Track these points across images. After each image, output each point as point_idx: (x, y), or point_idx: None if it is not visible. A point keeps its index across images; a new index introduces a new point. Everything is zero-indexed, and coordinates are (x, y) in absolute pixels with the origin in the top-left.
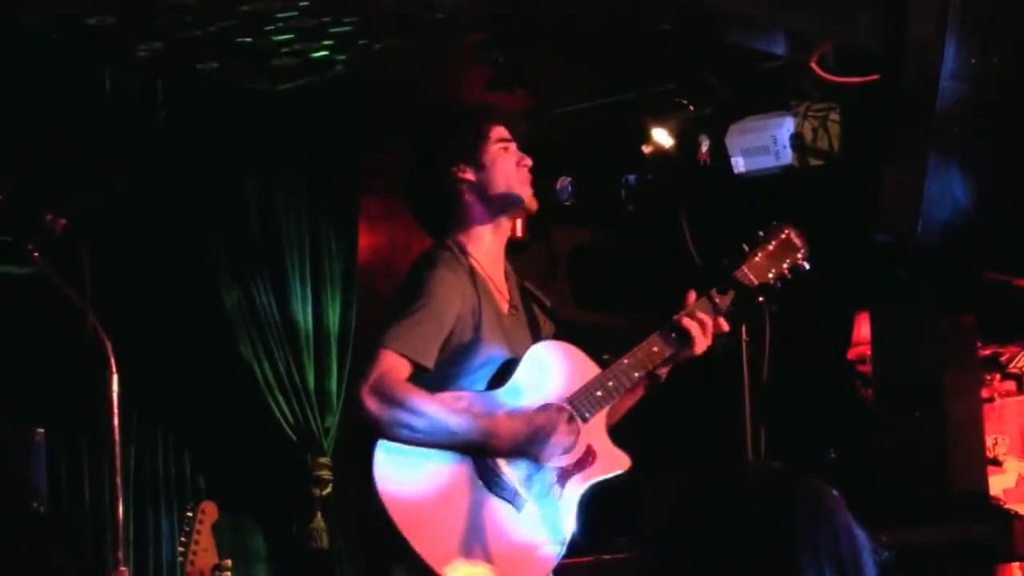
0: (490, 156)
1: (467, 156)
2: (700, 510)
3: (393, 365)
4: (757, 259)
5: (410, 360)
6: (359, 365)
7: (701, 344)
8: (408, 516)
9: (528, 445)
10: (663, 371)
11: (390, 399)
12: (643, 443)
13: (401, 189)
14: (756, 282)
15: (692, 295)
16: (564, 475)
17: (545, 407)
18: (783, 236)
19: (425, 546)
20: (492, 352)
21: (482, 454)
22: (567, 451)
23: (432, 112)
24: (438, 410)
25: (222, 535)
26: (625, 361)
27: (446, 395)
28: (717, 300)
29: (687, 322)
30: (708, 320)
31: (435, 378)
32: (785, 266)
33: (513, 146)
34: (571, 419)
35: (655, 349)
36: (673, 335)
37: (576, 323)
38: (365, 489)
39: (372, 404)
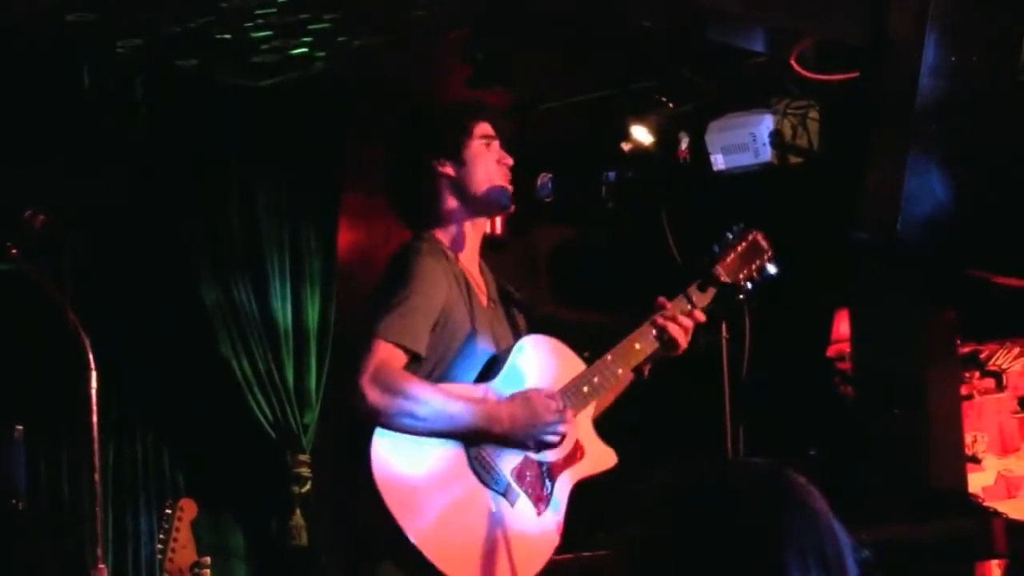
0: (471, 152)
1: (449, 151)
2: (684, 509)
3: (389, 354)
4: (729, 259)
5: (404, 349)
6: (352, 356)
7: (682, 340)
8: (403, 505)
9: (528, 428)
10: (646, 368)
11: (391, 388)
12: (624, 441)
13: (383, 179)
14: (729, 281)
15: (662, 298)
16: (554, 471)
17: (538, 390)
18: (751, 238)
19: (419, 536)
20: (480, 343)
21: (482, 440)
22: (561, 440)
23: (417, 105)
24: (438, 397)
25: (201, 532)
26: (609, 357)
27: (444, 385)
28: (694, 297)
29: (666, 320)
30: (686, 318)
31: (428, 367)
32: (754, 268)
33: (496, 144)
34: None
35: (637, 346)
36: (654, 332)
37: (556, 320)
38: (357, 478)
39: (373, 394)
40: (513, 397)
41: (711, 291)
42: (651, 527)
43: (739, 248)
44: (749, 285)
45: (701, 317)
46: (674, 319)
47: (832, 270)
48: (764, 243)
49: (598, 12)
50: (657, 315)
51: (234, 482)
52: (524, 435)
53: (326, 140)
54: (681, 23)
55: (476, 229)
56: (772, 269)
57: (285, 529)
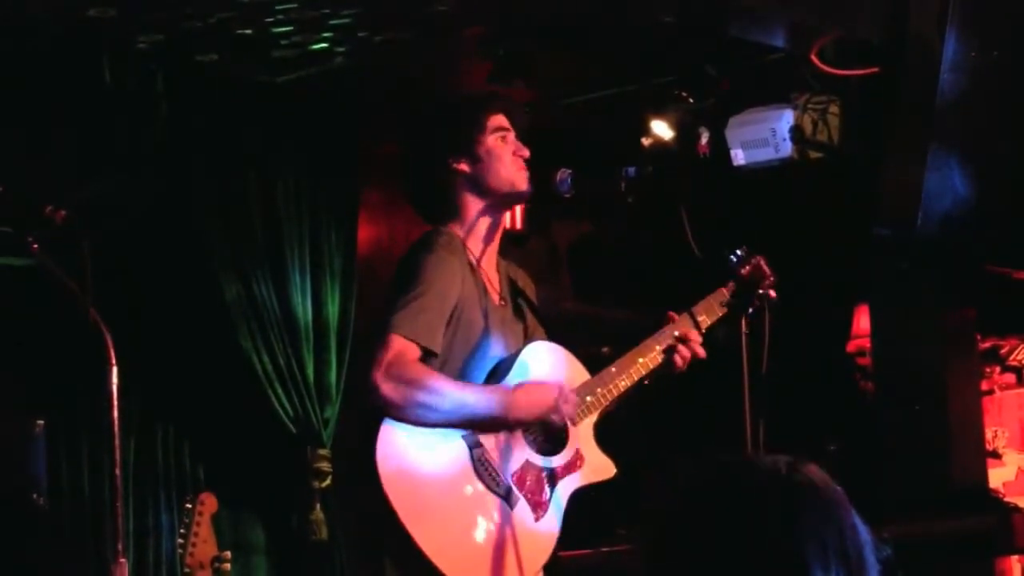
0: (486, 147)
1: (463, 148)
2: (706, 503)
3: (403, 349)
4: (734, 283)
5: (419, 346)
6: (368, 351)
7: (684, 359)
8: (406, 500)
9: (546, 408)
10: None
11: (406, 381)
12: (643, 435)
13: (399, 177)
14: (721, 312)
15: (671, 314)
16: (554, 477)
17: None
18: (754, 263)
19: (420, 532)
20: (492, 342)
21: (495, 431)
22: (569, 418)
23: (431, 100)
24: (454, 388)
25: (222, 527)
26: (613, 369)
27: (462, 383)
28: (699, 318)
29: (677, 340)
30: (695, 342)
31: (439, 363)
32: (757, 293)
33: (511, 135)
34: (566, 439)
35: (640, 360)
36: (660, 348)
37: (576, 315)
38: (365, 473)
39: (388, 388)
40: (521, 384)
41: (718, 313)
42: (671, 523)
43: (743, 272)
44: (751, 310)
45: (701, 353)
46: (684, 340)
47: (852, 265)
48: (766, 268)
49: (619, 7)
50: (667, 332)
51: (254, 477)
52: (543, 415)
53: (346, 135)
54: (702, 18)
55: (494, 224)
56: (773, 294)
57: (305, 524)
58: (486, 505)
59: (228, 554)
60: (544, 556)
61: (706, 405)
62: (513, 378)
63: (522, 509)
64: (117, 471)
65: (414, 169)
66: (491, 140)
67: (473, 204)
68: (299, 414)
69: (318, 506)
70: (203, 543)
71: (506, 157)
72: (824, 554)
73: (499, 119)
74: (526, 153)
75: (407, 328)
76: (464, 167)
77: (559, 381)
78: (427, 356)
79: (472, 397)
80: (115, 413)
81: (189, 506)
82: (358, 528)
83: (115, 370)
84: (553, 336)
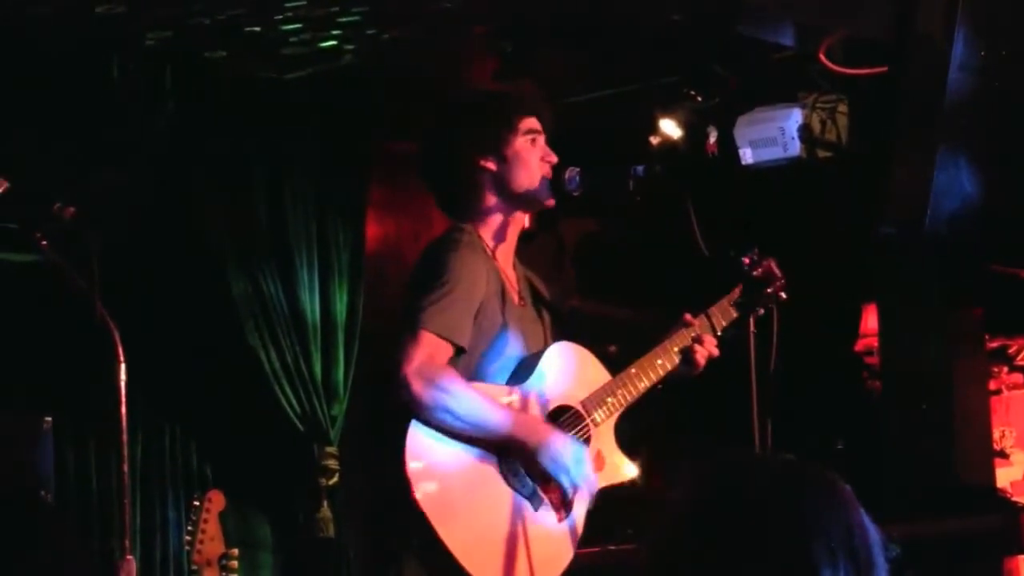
0: (514, 149)
1: (492, 147)
2: (714, 501)
3: (435, 348)
4: (748, 285)
5: (449, 341)
6: (397, 345)
7: (703, 364)
8: (433, 500)
9: (558, 462)
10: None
11: (436, 383)
12: (650, 434)
13: (421, 167)
14: (749, 306)
15: (688, 316)
16: None
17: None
18: (766, 264)
19: (447, 531)
20: (511, 341)
21: (513, 448)
22: (571, 495)
23: (461, 94)
24: (481, 401)
25: (229, 524)
26: (633, 371)
27: (487, 387)
28: (714, 319)
29: (694, 341)
30: (711, 342)
31: (464, 360)
32: (767, 294)
33: (541, 139)
34: (588, 440)
35: (659, 362)
36: (678, 350)
37: (582, 313)
38: (386, 470)
39: (417, 387)
40: (555, 427)
41: (732, 315)
42: (678, 522)
43: (754, 274)
44: (761, 311)
45: (716, 352)
46: (700, 341)
47: (860, 264)
48: (777, 270)
49: (628, 5)
50: (684, 333)
51: (262, 474)
52: (548, 464)
53: (354, 133)
54: (710, 17)
55: (514, 225)
56: (784, 296)
57: (312, 521)
58: (512, 507)
59: (235, 551)
60: (567, 558)
61: (714, 404)
62: (536, 379)
63: (545, 511)
64: (125, 468)
65: (439, 163)
66: (520, 142)
67: (495, 204)
68: (306, 411)
69: (325, 504)
70: (210, 540)
71: (532, 161)
72: (832, 553)
73: (531, 122)
74: (554, 159)
75: (437, 324)
76: (491, 166)
77: (585, 460)
78: (456, 353)
79: (498, 415)
80: (123, 410)
81: (197, 503)
82: (370, 526)
83: (123, 367)
84: (562, 336)
